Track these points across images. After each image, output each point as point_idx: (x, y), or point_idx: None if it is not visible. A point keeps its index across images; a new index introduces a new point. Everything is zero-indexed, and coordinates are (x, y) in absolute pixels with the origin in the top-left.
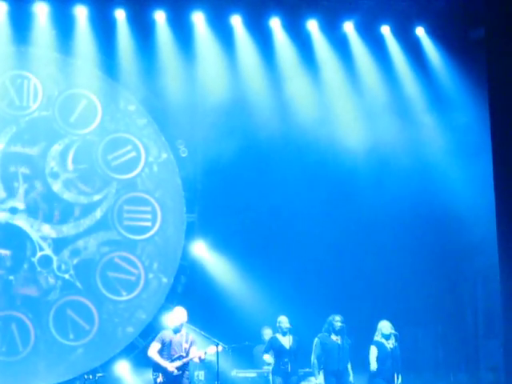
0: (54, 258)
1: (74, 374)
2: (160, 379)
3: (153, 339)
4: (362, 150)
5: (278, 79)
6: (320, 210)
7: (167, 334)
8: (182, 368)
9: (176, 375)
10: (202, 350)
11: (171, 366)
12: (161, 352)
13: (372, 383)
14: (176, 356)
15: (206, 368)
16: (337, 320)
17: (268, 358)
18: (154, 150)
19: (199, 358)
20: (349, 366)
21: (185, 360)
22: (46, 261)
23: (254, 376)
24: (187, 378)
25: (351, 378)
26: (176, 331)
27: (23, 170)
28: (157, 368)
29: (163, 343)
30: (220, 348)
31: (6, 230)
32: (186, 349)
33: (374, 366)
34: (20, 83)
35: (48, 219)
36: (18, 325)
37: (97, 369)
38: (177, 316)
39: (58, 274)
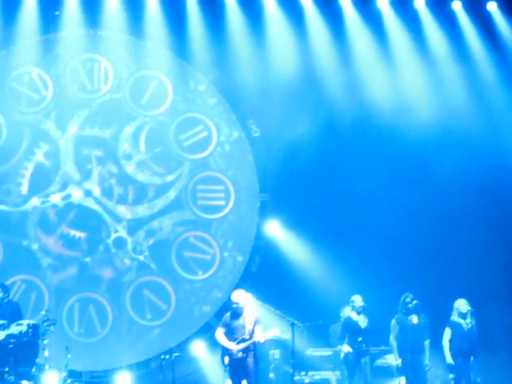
0: (129, 240)
1: (150, 354)
2: (227, 361)
3: None
4: (435, 125)
5: (348, 55)
6: (394, 187)
7: (228, 317)
8: (246, 350)
9: (240, 357)
10: (263, 333)
11: (235, 349)
12: (226, 334)
13: (450, 365)
14: (240, 338)
15: (281, 347)
16: (409, 299)
17: (347, 348)
18: (226, 129)
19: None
20: (426, 344)
21: (247, 343)
22: (120, 242)
23: (329, 354)
24: (253, 359)
25: (427, 360)
26: (234, 313)
27: (96, 152)
28: (224, 350)
29: (227, 326)
30: (278, 332)
31: (80, 212)
32: (249, 330)
33: (448, 358)
34: (91, 66)
35: (122, 201)
36: (95, 306)
37: (173, 349)
38: (232, 297)
39: (133, 255)
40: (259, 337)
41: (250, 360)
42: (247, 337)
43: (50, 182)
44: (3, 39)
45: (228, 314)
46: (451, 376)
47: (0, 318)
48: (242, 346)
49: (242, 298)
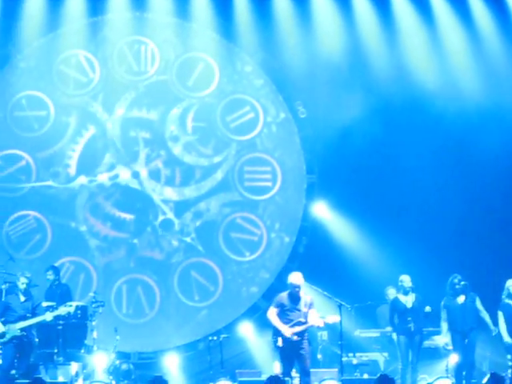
0: (176, 221)
1: (198, 335)
2: (279, 343)
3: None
4: (484, 106)
5: (394, 36)
6: (442, 167)
7: (284, 298)
8: (301, 333)
9: (295, 340)
10: (321, 318)
11: (290, 332)
12: (279, 315)
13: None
14: (295, 321)
15: (329, 328)
16: (457, 280)
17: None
18: (272, 110)
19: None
20: (486, 318)
21: (303, 326)
22: (167, 224)
23: (377, 336)
24: (307, 342)
25: (492, 326)
26: (292, 294)
27: (143, 134)
28: (276, 332)
29: (281, 306)
30: (338, 319)
31: (127, 193)
32: (305, 313)
33: (505, 337)
34: (137, 49)
35: (169, 182)
36: (143, 287)
37: (221, 330)
38: (291, 279)
39: (181, 236)
40: (318, 321)
41: (306, 343)
42: (303, 320)
43: (98, 164)
44: (51, 22)
45: (283, 295)
46: (509, 357)
47: (50, 300)
48: (298, 329)
49: (301, 280)
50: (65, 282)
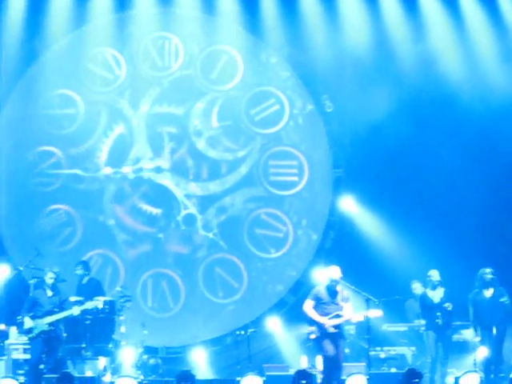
0: (199, 217)
1: (225, 330)
2: (315, 335)
3: (304, 295)
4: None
5: (421, 29)
6: (470, 161)
7: (321, 291)
8: (339, 326)
9: (332, 332)
10: (363, 312)
11: (329, 324)
12: (315, 308)
13: None
14: (334, 314)
15: (356, 322)
16: (486, 273)
17: None
18: (299, 101)
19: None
20: None
21: (341, 319)
22: (190, 219)
23: (404, 330)
24: (343, 334)
25: None
26: (330, 288)
27: (168, 129)
28: (312, 324)
29: (318, 300)
30: (380, 314)
31: (152, 188)
32: (341, 307)
33: None
34: (161, 44)
35: (194, 177)
36: (168, 282)
37: (248, 325)
38: (330, 273)
39: (204, 232)
40: (357, 316)
41: (342, 336)
42: (341, 313)
43: (124, 159)
44: (77, 18)
45: (321, 289)
46: None
47: (81, 295)
48: (336, 321)
49: (339, 274)
50: (96, 278)
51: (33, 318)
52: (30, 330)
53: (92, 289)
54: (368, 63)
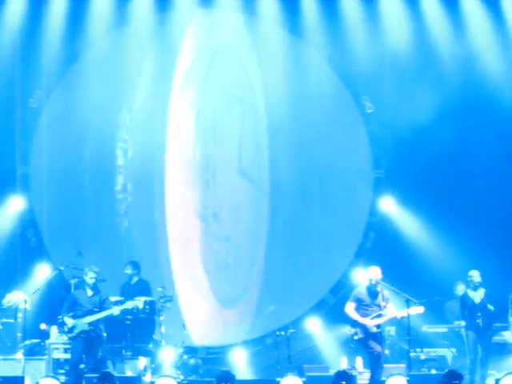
0: None
1: (265, 330)
2: (358, 336)
3: (344, 295)
4: None
5: (462, 30)
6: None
7: (362, 292)
8: (380, 326)
9: (375, 332)
10: (402, 310)
11: (371, 324)
12: (357, 310)
13: None
14: (376, 314)
15: (396, 323)
16: None
17: None
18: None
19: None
20: None
21: (386, 318)
22: None
23: (445, 331)
24: (383, 336)
25: None
26: (370, 289)
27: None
28: (355, 325)
29: (359, 301)
30: (422, 310)
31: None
32: (383, 306)
33: None
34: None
35: None
36: None
37: (288, 325)
38: (371, 274)
39: None
40: (399, 312)
41: (383, 337)
42: (384, 313)
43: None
44: (118, 19)
45: (362, 290)
46: None
47: (126, 295)
48: (379, 320)
49: (380, 275)
50: (144, 279)
51: (73, 317)
52: (70, 330)
53: (139, 290)
54: (409, 64)
